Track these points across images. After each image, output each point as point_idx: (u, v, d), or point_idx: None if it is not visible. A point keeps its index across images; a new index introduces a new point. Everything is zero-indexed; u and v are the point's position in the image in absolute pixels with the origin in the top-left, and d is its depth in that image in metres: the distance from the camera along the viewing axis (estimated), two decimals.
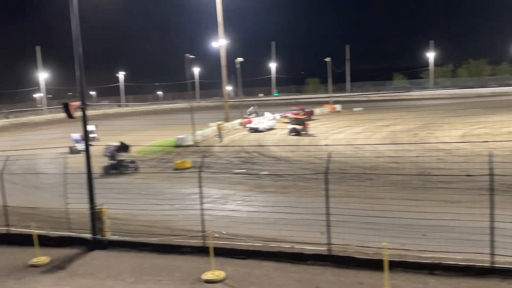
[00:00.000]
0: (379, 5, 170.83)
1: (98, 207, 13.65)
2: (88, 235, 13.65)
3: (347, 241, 11.35)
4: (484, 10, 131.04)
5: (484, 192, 10.97)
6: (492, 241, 10.14)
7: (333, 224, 11.38)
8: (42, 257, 12.78)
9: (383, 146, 30.28)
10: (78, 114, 13.49)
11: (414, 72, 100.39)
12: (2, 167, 15.28)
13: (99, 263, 12.46)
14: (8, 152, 16.80)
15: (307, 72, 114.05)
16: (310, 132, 41.69)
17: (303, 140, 38.29)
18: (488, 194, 10.28)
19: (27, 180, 24.91)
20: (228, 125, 48.77)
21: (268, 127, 46.46)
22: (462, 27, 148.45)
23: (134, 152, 33.66)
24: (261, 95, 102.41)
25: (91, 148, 14.22)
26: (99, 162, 24.65)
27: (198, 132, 41.10)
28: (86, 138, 14.05)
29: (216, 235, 13.22)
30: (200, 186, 13.04)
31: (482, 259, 10.29)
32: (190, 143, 37.94)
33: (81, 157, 14.39)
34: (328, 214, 11.38)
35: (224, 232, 13.36)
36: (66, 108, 13.04)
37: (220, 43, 54.00)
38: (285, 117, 50.28)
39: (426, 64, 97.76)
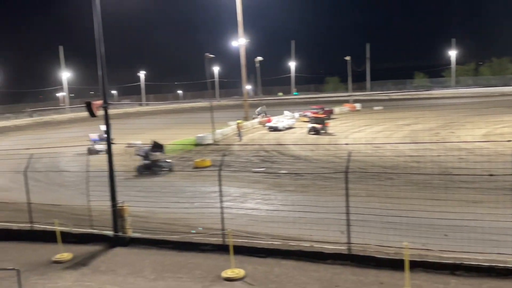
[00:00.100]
0: (400, 3, 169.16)
1: (120, 205, 13.83)
2: (110, 232, 13.82)
3: (367, 241, 11.31)
4: (507, 7, 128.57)
5: (507, 192, 10.82)
6: None
7: (353, 223, 11.34)
8: (65, 254, 12.99)
9: (403, 145, 30.04)
10: (100, 112, 13.68)
11: (436, 71, 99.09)
12: (26, 165, 15.55)
13: (120, 260, 12.62)
14: (31, 150, 17.08)
15: (327, 71, 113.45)
16: (329, 131, 41.52)
17: (323, 139, 38.14)
18: (511, 194, 10.13)
19: (50, 178, 25.33)
20: (247, 124, 48.86)
21: (287, 126, 46.41)
22: (484, 25, 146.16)
23: None
24: (280, 94, 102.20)
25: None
26: (121, 161, 24.90)
27: (218, 131, 41.28)
28: (108, 136, 14.22)
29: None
30: (220, 185, 13.11)
31: (505, 260, 10.15)
32: (210, 141, 38.16)
33: (102, 156, 14.66)
34: (348, 213, 11.34)
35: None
36: (89, 107, 13.23)
37: (239, 42, 54.13)
38: (305, 116, 50.18)
39: (448, 62, 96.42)
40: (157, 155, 27.04)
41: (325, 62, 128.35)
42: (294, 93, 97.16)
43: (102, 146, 31.16)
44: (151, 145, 27.08)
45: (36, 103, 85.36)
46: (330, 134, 40.61)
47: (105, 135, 14.73)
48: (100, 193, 14.24)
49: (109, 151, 14.14)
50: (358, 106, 66.20)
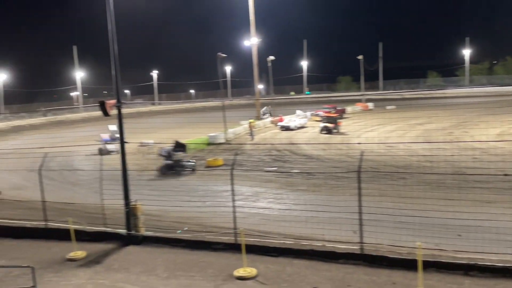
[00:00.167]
0: (414, 1, 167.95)
1: (133, 203, 13.93)
2: (123, 231, 13.92)
3: (380, 241, 11.27)
4: None
5: None
6: None
7: (365, 223, 11.30)
8: (78, 252, 13.11)
9: (416, 144, 29.84)
10: (113, 112, 13.78)
11: (449, 70, 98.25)
12: (41, 163, 15.71)
13: (133, 258, 12.71)
14: (44, 149, 17.26)
15: (339, 70, 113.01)
16: (342, 130, 41.39)
17: (335, 138, 38.04)
18: None
19: (64, 177, 25.58)
20: (259, 123, 48.89)
21: (299, 125, 46.38)
22: (499, 24, 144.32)
23: None
24: (292, 93, 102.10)
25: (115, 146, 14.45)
26: (134, 160, 25.05)
27: (230, 130, 41.37)
28: (121, 135, 14.29)
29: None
30: (232, 184, 13.15)
31: None
32: (222, 141, 38.26)
33: (114, 155, 14.71)
34: (360, 212, 11.30)
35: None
36: (103, 106, 13.34)
37: (252, 41, 54.14)
38: (317, 115, 50.08)
39: (461, 61, 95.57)
40: (180, 154, 26.68)
41: (337, 61, 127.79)
42: (306, 93, 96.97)
43: (113, 146, 31.36)
44: (173, 144, 26.70)
45: (50, 103, 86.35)
46: (342, 134, 40.48)
47: (116, 135, 14.82)
48: (113, 192, 14.36)
49: (122, 150, 14.23)
50: (370, 105, 65.90)
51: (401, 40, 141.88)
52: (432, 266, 10.39)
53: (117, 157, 14.56)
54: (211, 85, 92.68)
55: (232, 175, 13.23)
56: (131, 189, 14.18)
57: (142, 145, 34.52)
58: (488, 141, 28.56)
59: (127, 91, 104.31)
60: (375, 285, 10.16)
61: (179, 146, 26.70)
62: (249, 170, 24.82)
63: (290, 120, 47.36)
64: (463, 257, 10.56)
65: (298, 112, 51.07)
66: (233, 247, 12.43)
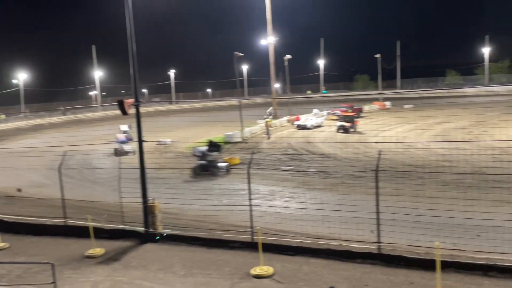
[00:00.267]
0: None
1: (150, 201, 14.05)
2: (141, 229, 14.06)
3: (397, 240, 11.20)
4: None
5: None
6: None
7: (383, 222, 11.25)
8: (97, 249, 13.27)
9: (435, 144, 29.56)
10: (132, 111, 13.91)
11: (468, 68, 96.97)
12: (60, 162, 15.93)
13: (151, 256, 12.82)
14: (64, 148, 17.49)
15: (356, 69, 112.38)
16: (359, 130, 41.17)
17: (352, 137, 37.85)
18: None
19: (83, 175, 25.88)
20: (276, 122, 48.85)
21: (316, 124, 46.24)
22: None
23: (183, 148, 34.39)
24: (309, 92, 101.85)
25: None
26: (152, 158, 25.22)
27: (246, 129, 41.41)
28: (139, 134, 14.41)
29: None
30: (249, 182, 13.19)
31: None
32: (239, 140, 38.31)
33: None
34: (378, 212, 11.25)
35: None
36: (121, 105, 13.48)
37: (268, 40, 54.10)
38: (333, 114, 49.87)
39: (481, 60, 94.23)
40: (214, 155, 25.54)
41: (354, 60, 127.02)
42: (323, 91, 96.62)
43: (130, 147, 31.07)
44: (207, 144, 25.95)
45: (69, 102, 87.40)
46: (359, 133, 40.26)
47: (128, 134, 14.94)
48: (130, 190, 14.50)
49: (140, 149, 14.35)
50: (388, 104, 65.38)
51: (419, 38, 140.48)
52: (451, 266, 10.29)
53: (132, 156, 14.64)
54: (227, 84, 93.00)
55: (248, 174, 13.26)
56: (149, 187, 14.31)
57: (160, 143, 34.74)
58: (508, 140, 28.14)
59: (144, 90, 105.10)
60: (392, 285, 10.11)
61: (214, 146, 25.79)
62: (265, 169, 24.83)
63: (306, 119, 47.23)
64: (482, 258, 10.45)
65: (315, 111, 50.92)
66: (250, 246, 12.46)
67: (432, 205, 13.58)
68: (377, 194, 11.28)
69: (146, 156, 14.58)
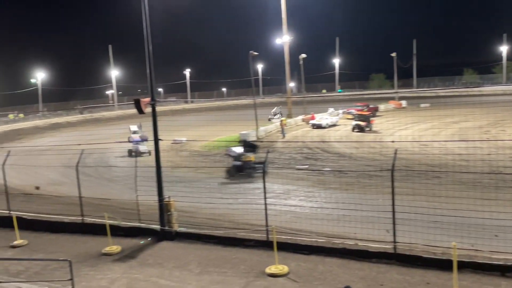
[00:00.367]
0: None
1: (166, 200, 14.14)
2: (157, 226, 14.17)
3: (413, 240, 11.13)
4: None
5: None
6: None
7: (399, 222, 11.18)
8: (113, 246, 13.41)
9: (451, 143, 29.24)
10: (148, 109, 14.03)
11: (486, 67, 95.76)
12: (78, 160, 16.10)
13: (167, 254, 12.92)
14: (81, 146, 17.68)
15: (372, 68, 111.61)
16: (374, 129, 40.95)
17: (367, 136, 37.66)
18: None
19: (100, 173, 26.14)
20: (290, 121, 48.80)
21: (331, 123, 46.11)
22: None
23: (198, 147, 34.55)
24: (324, 91, 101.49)
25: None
26: (167, 157, 25.35)
27: (261, 128, 41.45)
28: (155, 132, 14.51)
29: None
30: (264, 181, 13.21)
31: None
32: (254, 139, 38.31)
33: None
34: (394, 211, 11.18)
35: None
36: (138, 104, 13.60)
37: (284, 39, 54.01)
38: (349, 113, 49.67)
39: (498, 58, 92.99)
40: (250, 155, 24.25)
41: (370, 59, 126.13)
42: (338, 91, 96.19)
43: (145, 147, 30.74)
44: (242, 144, 25.28)
45: (86, 101, 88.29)
46: (375, 132, 40.04)
47: (146, 135, 15.04)
48: (147, 188, 14.61)
49: (156, 148, 14.46)
50: (404, 103, 64.86)
51: (436, 36, 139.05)
52: (468, 266, 10.20)
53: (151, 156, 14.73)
54: (243, 83, 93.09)
55: (263, 172, 13.28)
56: (164, 185, 14.40)
57: (175, 142, 34.92)
58: None
59: (160, 89, 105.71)
60: (408, 284, 10.05)
61: (249, 146, 24.71)
62: (280, 168, 24.82)
63: (321, 118, 47.11)
64: (499, 258, 10.34)
65: (330, 110, 50.75)
66: (265, 244, 12.49)
67: (449, 205, 13.46)
68: (393, 193, 11.22)
69: (161, 155, 14.68)
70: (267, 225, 12.66)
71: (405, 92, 76.92)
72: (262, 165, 23.25)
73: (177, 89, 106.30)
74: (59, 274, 11.16)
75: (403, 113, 54.95)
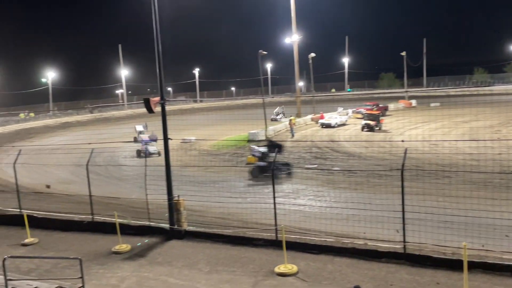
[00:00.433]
0: None
1: (176, 199, 14.19)
2: (166, 225, 14.22)
3: (423, 240, 11.08)
4: None
5: None
6: None
7: (408, 222, 11.13)
8: (123, 245, 13.47)
9: (462, 142, 29.05)
10: (157, 109, 14.08)
11: (497, 66, 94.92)
12: (88, 159, 16.18)
13: (176, 252, 12.96)
14: (91, 146, 17.77)
15: (381, 67, 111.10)
16: (384, 128, 40.77)
17: (377, 136, 37.51)
18: None
19: (109, 172, 26.27)
20: (300, 120, 48.72)
21: (340, 123, 45.96)
22: None
23: (207, 146, 34.60)
24: (333, 90, 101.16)
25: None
26: (177, 156, 25.37)
27: (270, 127, 41.44)
28: (165, 132, 14.55)
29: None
30: (273, 181, 13.21)
31: None
32: (262, 138, 38.32)
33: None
34: (403, 211, 11.14)
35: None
36: (147, 103, 13.66)
37: (293, 38, 53.92)
38: (358, 112, 49.49)
39: (509, 57, 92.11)
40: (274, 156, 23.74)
41: (380, 58, 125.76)
42: (348, 90, 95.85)
43: (155, 148, 30.39)
44: (267, 144, 24.57)
45: (96, 100, 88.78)
46: (384, 131, 39.87)
47: (155, 135, 15.06)
48: (156, 187, 14.66)
49: (165, 147, 14.50)
50: (413, 102, 64.51)
51: (446, 35, 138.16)
52: (478, 267, 10.13)
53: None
54: (252, 82, 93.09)
55: (273, 172, 13.29)
56: (173, 184, 14.44)
57: (184, 141, 34.98)
58: None
59: (169, 89, 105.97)
60: (418, 285, 10.00)
61: (275, 146, 23.50)
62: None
63: (331, 117, 46.97)
64: (510, 258, 10.25)
65: (339, 109, 50.60)
66: (274, 244, 12.49)
67: (459, 205, 13.37)
68: (402, 193, 11.17)
69: (171, 154, 14.72)
70: (276, 225, 12.66)
71: (415, 91, 76.47)
72: (287, 166, 23.04)
73: (186, 89, 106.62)
74: (70, 272, 11.26)
75: (413, 113, 54.63)
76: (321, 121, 46.70)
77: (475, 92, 68.75)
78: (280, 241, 11.69)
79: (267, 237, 12.85)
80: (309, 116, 51.32)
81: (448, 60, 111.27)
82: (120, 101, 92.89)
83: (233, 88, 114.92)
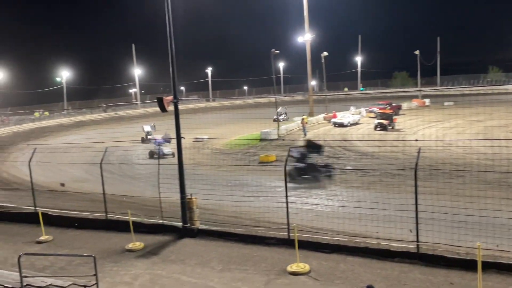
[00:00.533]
0: None
1: (188, 197, 14.25)
2: (179, 224, 14.30)
3: (437, 240, 11.00)
4: None
5: None
6: None
7: (422, 221, 11.07)
8: (136, 243, 13.57)
9: (476, 142, 28.78)
10: (170, 108, 14.16)
11: (511, 65, 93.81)
12: (102, 157, 16.32)
13: (189, 251, 13.02)
14: (104, 144, 17.89)
15: (395, 66, 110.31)
16: (397, 127, 40.53)
17: (390, 135, 37.33)
18: None
19: (123, 170, 26.45)
20: (312, 119, 48.63)
21: (353, 122, 45.79)
22: None
23: (220, 145, 34.66)
24: (346, 89, 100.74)
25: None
26: (189, 155, 25.42)
27: (283, 127, 41.45)
28: (177, 130, 14.62)
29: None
30: (286, 180, 13.21)
31: None
32: (275, 137, 38.33)
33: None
34: (417, 211, 11.07)
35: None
36: (160, 102, 13.74)
37: (305, 37, 53.83)
38: (371, 111, 49.26)
39: None
40: (314, 157, 22.31)
41: (393, 56, 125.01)
42: (361, 89, 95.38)
43: (169, 149, 29.45)
44: (305, 144, 23.81)
45: (110, 99, 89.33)
46: (397, 130, 39.64)
47: (169, 135, 15.10)
48: (169, 186, 14.73)
49: (178, 146, 14.58)
50: (427, 101, 64.02)
51: (460, 34, 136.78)
52: (492, 267, 10.05)
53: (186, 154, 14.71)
54: (264, 81, 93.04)
55: (285, 171, 13.29)
56: (186, 183, 14.49)
57: (197, 140, 35.09)
58: None
59: (182, 88, 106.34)
60: (431, 284, 9.94)
61: (314, 147, 22.93)
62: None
63: (343, 116, 46.82)
64: None
65: (352, 108, 50.41)
66: (286, 243, 12.50)
67: (473, 205, 13.25)
68: (416, 192, 11.11)
69: (183, 153, 14.79)
70: (288, 223, 12.66)
71: (428, 90, 75.91)
72: (328, 168, 21.83)
73: (199, 88, 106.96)
74: (84, 270, 11.35)
75: (427, 112, 54.21)
76: (333, 120, 46.56)
77: (490, 91, 68.02)
78: (293, 240, 11.69)
79: (279, 236, 12.86)
80: (322, 115, 51.20)
81: (462, 59, 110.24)
82: (134, 100, 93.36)
83: (245, 87, 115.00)
